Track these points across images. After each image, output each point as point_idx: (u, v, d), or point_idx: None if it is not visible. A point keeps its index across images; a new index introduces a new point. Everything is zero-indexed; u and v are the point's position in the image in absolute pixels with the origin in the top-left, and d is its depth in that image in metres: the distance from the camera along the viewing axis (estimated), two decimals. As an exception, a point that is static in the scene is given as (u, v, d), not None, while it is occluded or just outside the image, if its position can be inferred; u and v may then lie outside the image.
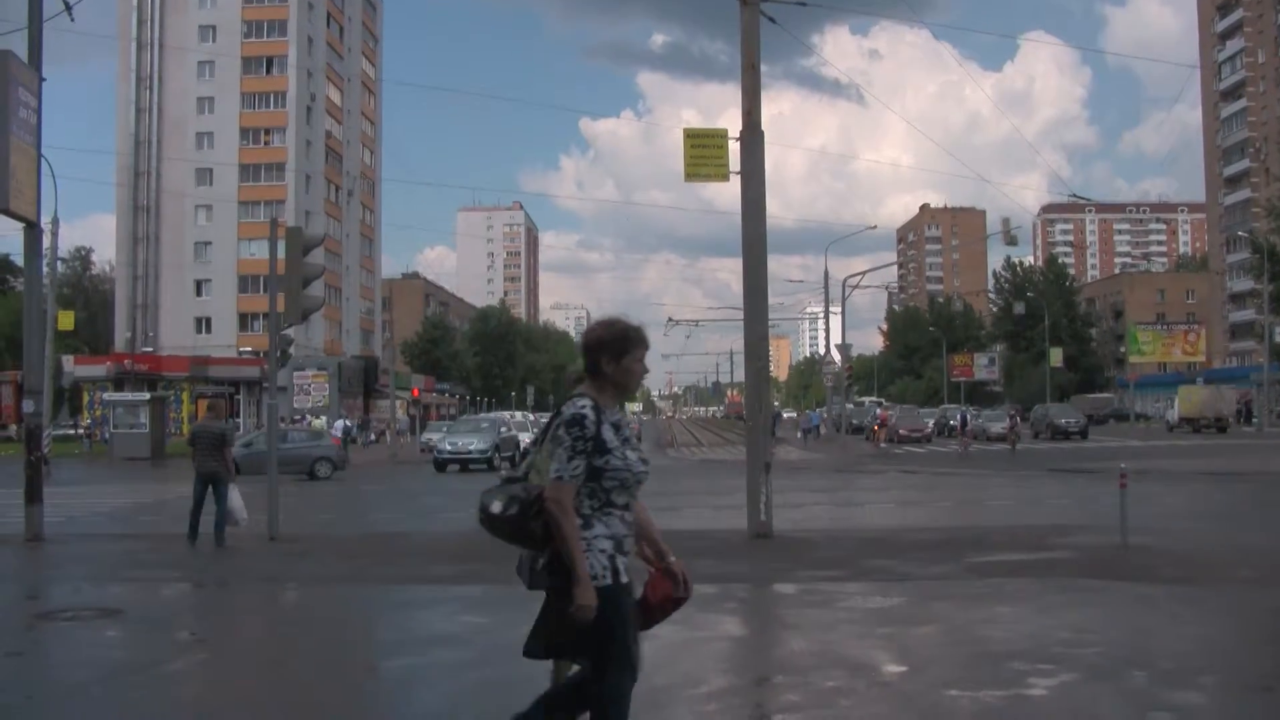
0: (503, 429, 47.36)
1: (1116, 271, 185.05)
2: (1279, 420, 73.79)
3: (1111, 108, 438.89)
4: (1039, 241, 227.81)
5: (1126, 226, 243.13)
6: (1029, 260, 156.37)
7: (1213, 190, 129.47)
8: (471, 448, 43.55)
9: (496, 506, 5.11)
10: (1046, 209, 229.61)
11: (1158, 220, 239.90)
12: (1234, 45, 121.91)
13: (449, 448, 44.03)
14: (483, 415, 60.17)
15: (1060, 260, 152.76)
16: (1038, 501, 23.95)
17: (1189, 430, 68.95)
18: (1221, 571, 13.21)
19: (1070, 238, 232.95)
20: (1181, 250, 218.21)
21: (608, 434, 5.08)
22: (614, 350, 5.23)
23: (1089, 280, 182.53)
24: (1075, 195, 71.62)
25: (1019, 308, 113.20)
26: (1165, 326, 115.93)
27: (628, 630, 5.18)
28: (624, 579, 5.10)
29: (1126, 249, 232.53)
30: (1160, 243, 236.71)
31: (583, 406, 5.09)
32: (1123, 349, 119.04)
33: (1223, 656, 8.92)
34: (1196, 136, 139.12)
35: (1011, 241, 52.28)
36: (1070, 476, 31.61)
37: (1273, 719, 7.16)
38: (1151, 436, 63.08)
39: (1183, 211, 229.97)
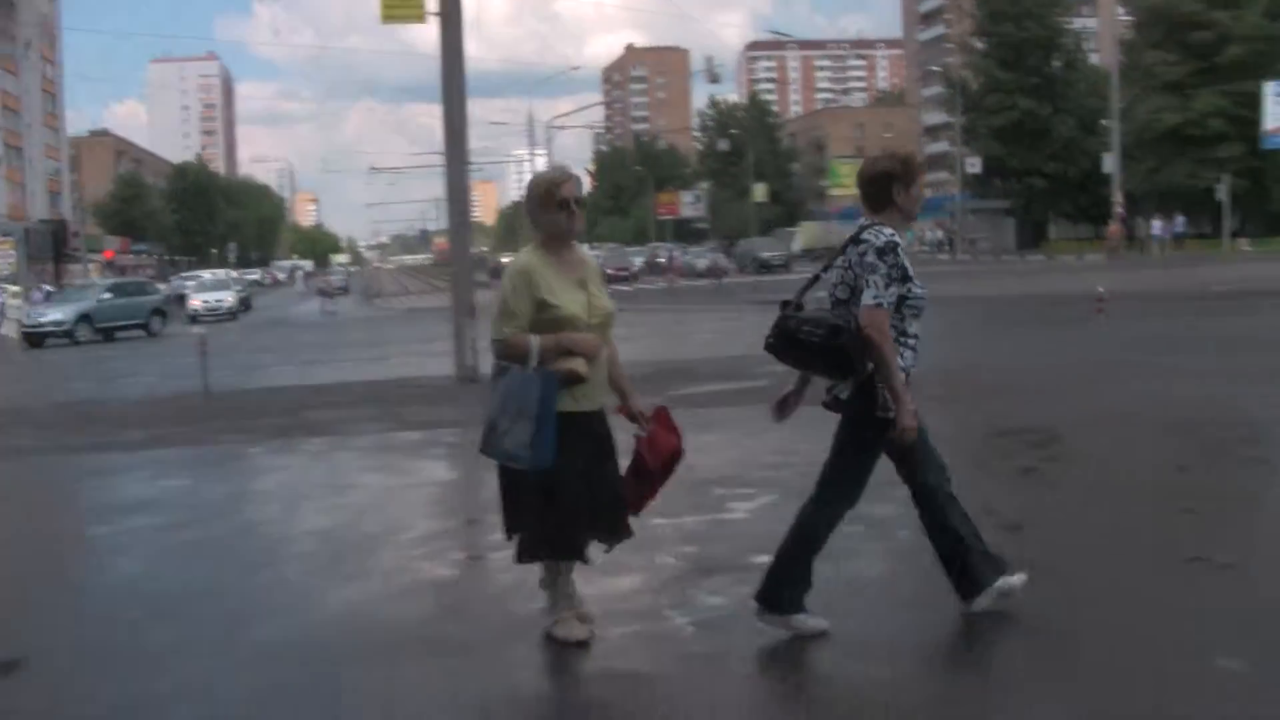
0: (105, 295, 40.60)
1: (818, 108, 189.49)
2: (971, 247, 77.63)
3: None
4: (743, 79, 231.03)
5: (828, 63, 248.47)
6: (733, 98, 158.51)
7: (909, 27, 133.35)
8: (44, 319, 38.63)
9: (813, 334, 5.28)
10: (750, 47, 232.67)
11: (857, 56, 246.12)
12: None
13: (27, 320, 39.24)
14: (101, 280, 53.49)
15: (763, 97, 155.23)
16: (741, 333, 24.49)
17: (809, 260, 73.05)
18: (914, 390, 13.80)
19: (774, 75, 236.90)
20: (880, 86, 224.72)
21: (907, 262, 5.28)
22: (906, 179, 5.40)
23: (792, 117, 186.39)
24: (776, 32, 73.54)
25: (723, 144, 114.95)
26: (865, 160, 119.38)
27: (873, 466, 5.53)
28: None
29: (828, 85, 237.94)
30: (860, 79, 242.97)
31: (891, 234, 5.29)
32: (824, 183, 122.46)
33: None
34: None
35: (715, 79, 53.19)
36: (774, 308, 32.49)
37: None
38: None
39: (881, 48, 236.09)
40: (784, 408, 5.68)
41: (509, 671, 5.35)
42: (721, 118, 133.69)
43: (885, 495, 8.16)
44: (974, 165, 78.61)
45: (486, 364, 16.78)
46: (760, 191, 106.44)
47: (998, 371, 15.68)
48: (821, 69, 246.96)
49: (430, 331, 28.85)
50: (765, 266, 61.60)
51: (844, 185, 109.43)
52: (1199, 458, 9.46)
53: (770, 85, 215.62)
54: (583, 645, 5.45)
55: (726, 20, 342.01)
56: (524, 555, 5.49)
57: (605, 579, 6.29)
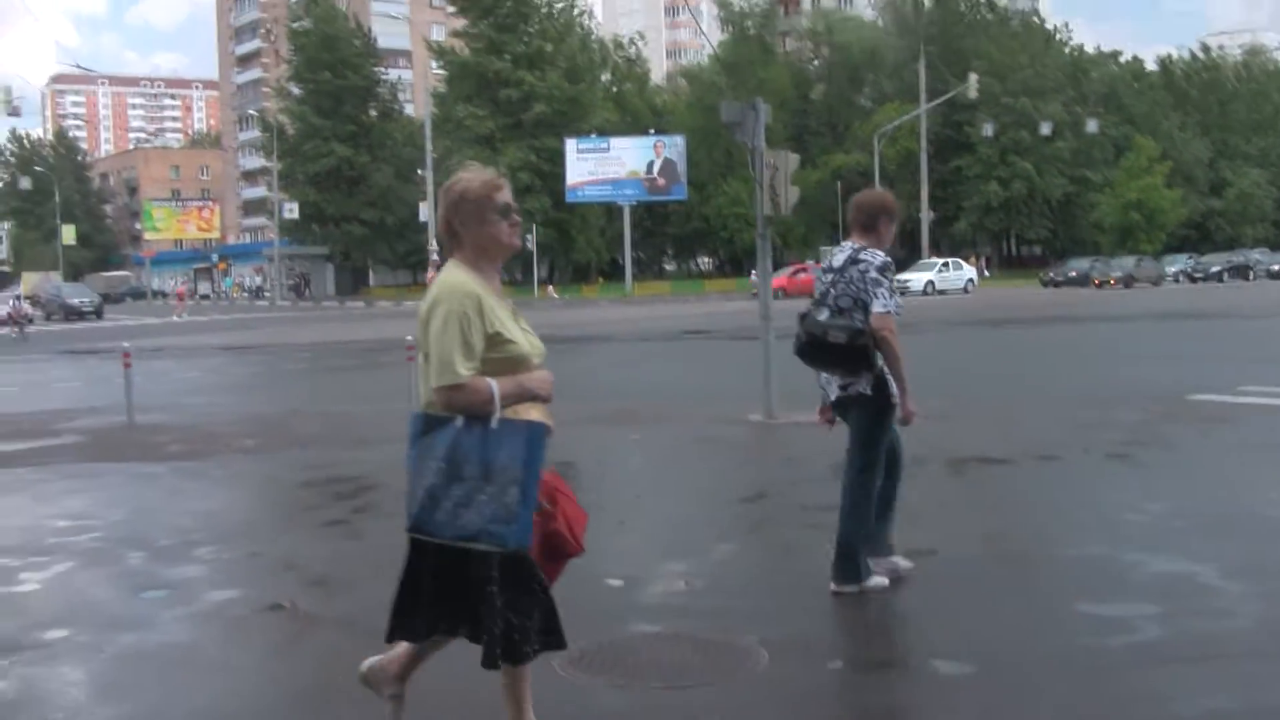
0: None
1: (131, 147, 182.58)
2: (291, 293, 77.54)
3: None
4: (49, 113, 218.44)
5: (141, 100, 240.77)
6: (38, 133, 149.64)
7: (225, 68, 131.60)
8: None
9: (838, 336, 6.26)
10: (57, 79, 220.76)
11: (172, 96, 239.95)
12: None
13: None
14: None
15: (71, 134, 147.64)
16: (46, 386, 22.97)
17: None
18: (227, 443, 13.48)
19: (83, 110, 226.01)
20: (196, 126, 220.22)
21: None
22: (890, 214, 6.65)
23: (104, 155, 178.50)
24: (81, 66, 69.73)
25: (26, 182, 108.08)
26: (180, 203, 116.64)
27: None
28: None
29: (141, 124, 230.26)
30: (175, 118, 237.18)
31: (886, 257, 6.44)
32: (139, 225, 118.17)
33: (219, 526, 9.05)
34: (209, 14, 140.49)
35: (15, 113, 49.99)
36: (83, 358, 30.81)
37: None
38: (164, 313, 63.18)
39: (197, 88, 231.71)
40: (826, 412, 6.83)
41: None
42: (25, 154, 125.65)
43: (191, 557, 7.92)
44: (292, 210, 78.58)
45: None
46: (69, 233, 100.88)
47: (315, 420, 15.60)
48: (135, 107, 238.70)
49: None
50: (75, 313, 57.82)
51: (159, 230, 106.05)
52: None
53: (79, 120, 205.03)
54: None
55: (28, 51, 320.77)
56: (514, 654, 4.20)
57: None
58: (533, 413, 4.15)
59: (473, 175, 4.33)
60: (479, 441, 3.99)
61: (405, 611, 4.27)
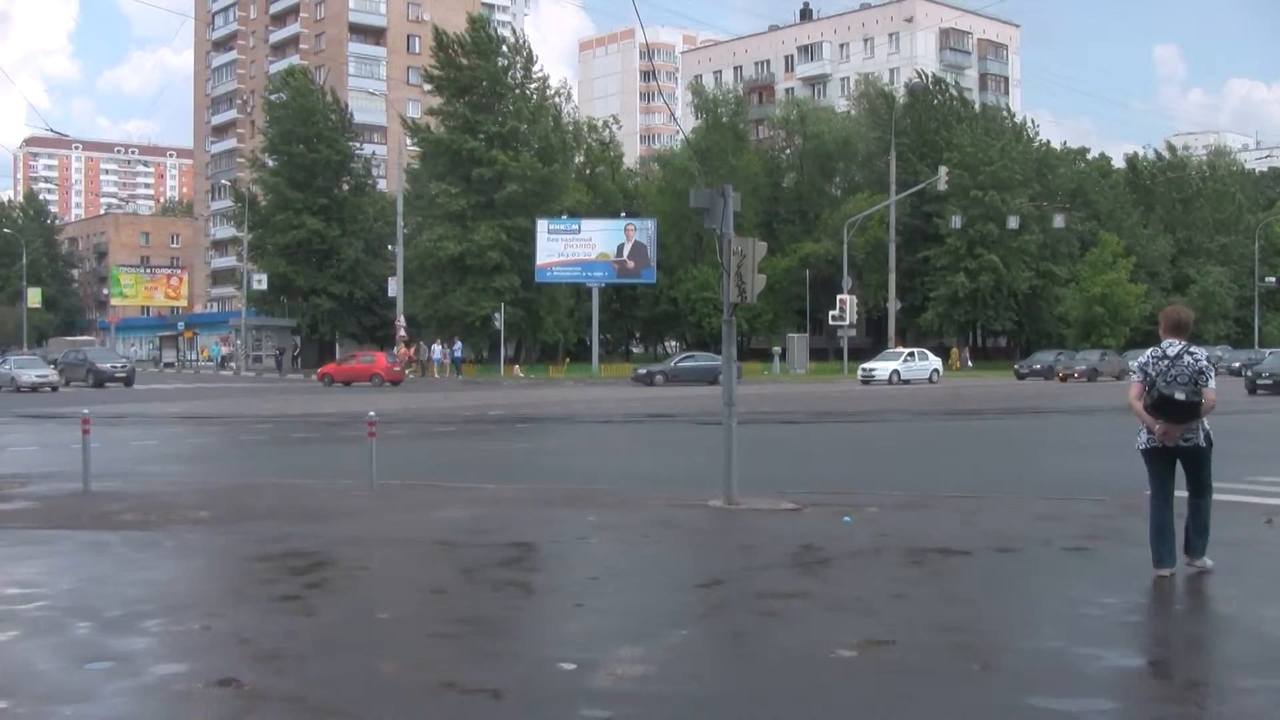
0: None
1: (102, 211, 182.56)
2: (255, 364, 77.23)
3: (97, 43, 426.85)
4: (20, 176, 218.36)
5: (114, 166, 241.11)
6: (8, 195, 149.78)
7: (200, 137, 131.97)
8: None
9: (1184, 395, 9.08)
10: (29, 142, 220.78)
11: (145, 163, 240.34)
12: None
13: None
14: None
15: (42, 197, 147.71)
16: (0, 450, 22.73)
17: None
18: (182, 513, 13.31)
19: (55, 174, 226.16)
20: (169, 194, 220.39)
21: None
22: (1190, 322, 9.82)
23: (74, 219, 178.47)
24: (54, 130, 69.62)
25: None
26: (148, 270, 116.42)
27: None
28: None
29: (113, 189, 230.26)
30: (148, 185, 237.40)
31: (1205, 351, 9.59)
32: (105, 290, 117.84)
33: (170, 598, 8.93)
34: (185, 83, 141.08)
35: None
36: (42, 422, 30.54)
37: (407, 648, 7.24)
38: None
39: (171, 155, 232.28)
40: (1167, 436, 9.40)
41: None
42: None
43: (138, 628, 7.78)
44: (261, 281, 78.37)
45: None
46: (35, 296, 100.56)
47: (271, 492, 15.43)
48: (107, 172, 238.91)
49: None
50: (106, 378, 53.32)
51: (126, 296, 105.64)
52: (456, 581, 9.73)
53: (51, 184, 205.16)
54: None
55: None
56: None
57: None
58: None
59: None
60: None
61: None
